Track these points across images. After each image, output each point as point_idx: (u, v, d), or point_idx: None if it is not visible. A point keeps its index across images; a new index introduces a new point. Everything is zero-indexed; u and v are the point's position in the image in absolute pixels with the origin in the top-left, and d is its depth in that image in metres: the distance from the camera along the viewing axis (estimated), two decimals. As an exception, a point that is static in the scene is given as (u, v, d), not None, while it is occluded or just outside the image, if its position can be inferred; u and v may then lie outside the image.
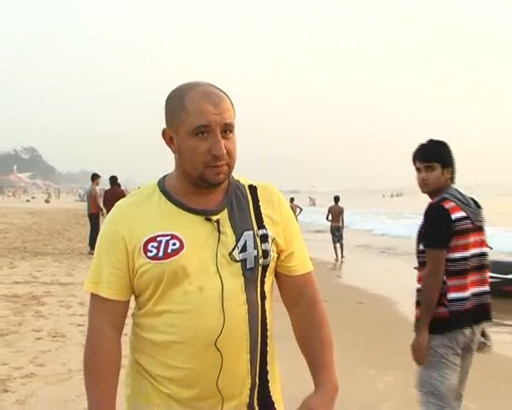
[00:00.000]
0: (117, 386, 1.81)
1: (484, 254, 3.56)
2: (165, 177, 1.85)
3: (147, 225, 1.73)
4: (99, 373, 1.75)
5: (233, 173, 1.85)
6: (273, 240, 1.80)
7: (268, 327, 1.80)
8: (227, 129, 1.71)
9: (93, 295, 1.79)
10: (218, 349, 1.69)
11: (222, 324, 1.68)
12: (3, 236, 19.98)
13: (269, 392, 1.83)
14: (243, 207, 1.80)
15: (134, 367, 1.84)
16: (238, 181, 1.86)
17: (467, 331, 3.47)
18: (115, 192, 15.21)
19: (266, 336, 1.80)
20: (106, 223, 1.82)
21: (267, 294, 1.81)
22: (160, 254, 1.69)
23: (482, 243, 3.56)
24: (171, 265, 1.69)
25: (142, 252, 1.71)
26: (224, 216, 1.76)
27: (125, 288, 1.76)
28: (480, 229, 3.54)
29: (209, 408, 1.74)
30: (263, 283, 1.78)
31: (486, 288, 3.58)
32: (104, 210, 15.86)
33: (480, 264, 3.53)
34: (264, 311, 1.79)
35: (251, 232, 1.76)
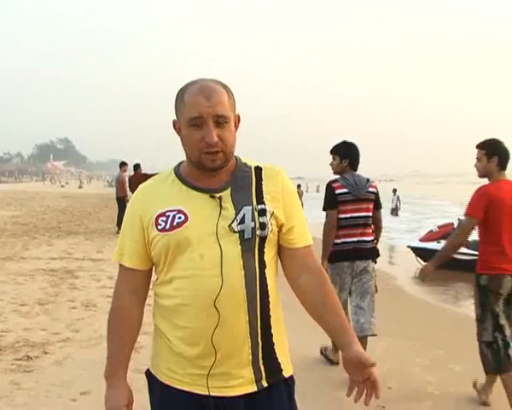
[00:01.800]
0: (133, 343, 1.90)
1: (365, 217, 4.76)
2: (181, 162, 1.90)
3: (159, 202, 1.80)
4: (115, 331, 1.88)
5: (243, 158, 1.89)
6: (272, 214, 1.80)
7: (269, 294, 1.80)
8: (220, 119, 1.73)
9: (119, 266, 1.88)
10: (217, 309, 1.71)
11: (220, 286, 1.71)
12: (42, 217, 20.10)
13: (274, 353, 1.83)
14: (246, 186, 1.82)
15: (155, 332, 1.88)
16: (245, 164, 1.88)
17: (348, 263, 4.74)
18: (138, 176, 15.33)
19: (268, 302, 1.79)
20: (129, 204, 1.90)
21: (267, 263, 1.81)
22: (167, 226, 1.75)
23: (363, 210, 4.75)
24: (176, 235, 1.74)
25: (154, 226, 1.78)
26: (226, 194, 1.79)
27: (144, 258, 1.83)
28: (363, 200, 4.74)
29: (209, 365, 1.75)
30: (262, 253, 1.79)
31: (366, 238, 4.77)
32: (130, 194, 16.00)
33: (363, 223, 4.74)
34: (265, 278, 1.79)
35: (250, 207, 1.77)
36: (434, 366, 5.33)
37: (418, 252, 12.42)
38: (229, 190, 1.80)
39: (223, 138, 1.74)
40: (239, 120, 1.83)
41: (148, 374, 1.90)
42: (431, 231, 12.65)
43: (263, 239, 1.78)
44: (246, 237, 1.75)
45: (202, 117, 1.71)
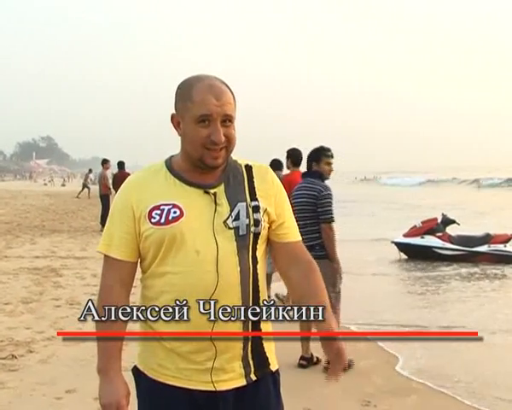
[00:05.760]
0: (123, 335, 1.85)
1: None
2: (172, 156, 1.88)
3: (152, 195, 1.78)
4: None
5: (232, 155, 1.87)
6: (265, 211, 1.82)
7: (260, 289, 1.82)
8: (227, 119, 1.76)
9: (105, 256, 1.84)
10: None
11: (216, 283, 1.72)
12: (25, 215, 19.89)
13: (262, 348, 1.85)
14: (238, 182, 1.83)
15: (142, 326, 1.86)
16: (236, 161, 1.89)
17: None
18: (123, 175, 15.21)
19: (258, 297, 1.81)
20: (118, 193, 1.87)
21: (259, 259, 1.82)
22: (162, 220, 1.74)
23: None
24: (171, 230, 1.74)
25: (146, 218, 1.76)
26: (220, 190, 1.80)
27: (133, 250, 1.81)
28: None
29: (205, 360, 1.76)
30: (255, 249, 1.81)
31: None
32: (113, 191, 15.90)
33: None
34: (256, 274, 1.81)
35: (244, 203, 1.79)
36: (419, 360, 5.38)
37: (402, 247, 12.50)
38: (222, 186, 1.81)
39: (227, 135, 1.76)
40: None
41: (136, 371, 1.88)
42: (414, 226, 12.74)
43: (256, 236, 1.80)
44: (240, 233, 1.76)
45: (212, 115, 1.73)
